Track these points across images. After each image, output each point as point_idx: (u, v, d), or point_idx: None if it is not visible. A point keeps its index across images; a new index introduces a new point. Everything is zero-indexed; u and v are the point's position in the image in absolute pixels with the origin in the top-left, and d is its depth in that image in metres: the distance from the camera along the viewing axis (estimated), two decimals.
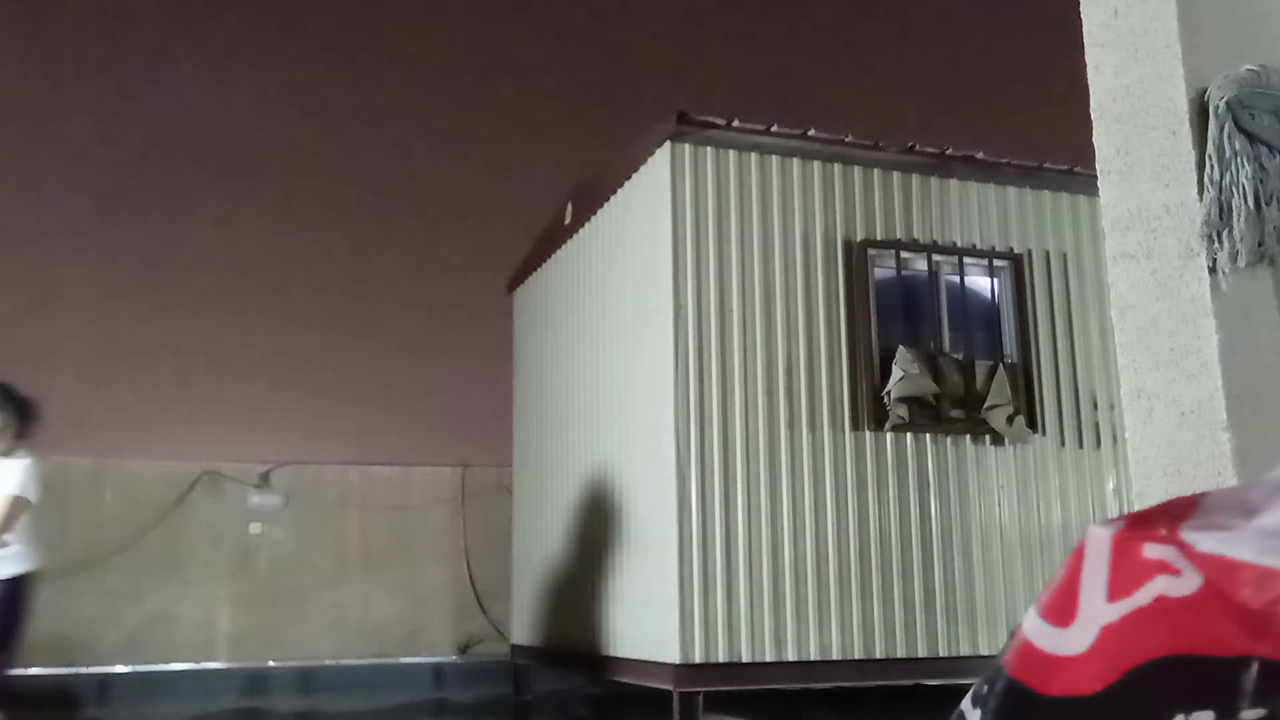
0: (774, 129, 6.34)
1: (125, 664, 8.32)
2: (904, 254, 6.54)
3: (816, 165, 6.46)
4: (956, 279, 6.65)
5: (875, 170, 6.57)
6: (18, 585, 4.79)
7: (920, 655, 6.01)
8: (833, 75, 12.03)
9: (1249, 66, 2.18)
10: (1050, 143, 6.77)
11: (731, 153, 6.31)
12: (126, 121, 10.64)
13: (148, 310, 10.30)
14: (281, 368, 10.37)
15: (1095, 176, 2.39)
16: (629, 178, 6.79)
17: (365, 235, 11.11)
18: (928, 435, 6.30)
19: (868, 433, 6.19)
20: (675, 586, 5.74)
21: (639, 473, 6.36)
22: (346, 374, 10.53)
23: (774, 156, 6.39)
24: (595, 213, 7.34)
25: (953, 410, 6.35)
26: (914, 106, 11.37)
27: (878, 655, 5.93)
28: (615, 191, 7.00)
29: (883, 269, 6.48)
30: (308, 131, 11.17)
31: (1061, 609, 1.00)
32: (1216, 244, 2.11)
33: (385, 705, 8.22)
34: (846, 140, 6.49)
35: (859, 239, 6.43)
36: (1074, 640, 0.98)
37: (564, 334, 7.86)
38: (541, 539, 8.03)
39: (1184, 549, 0.95)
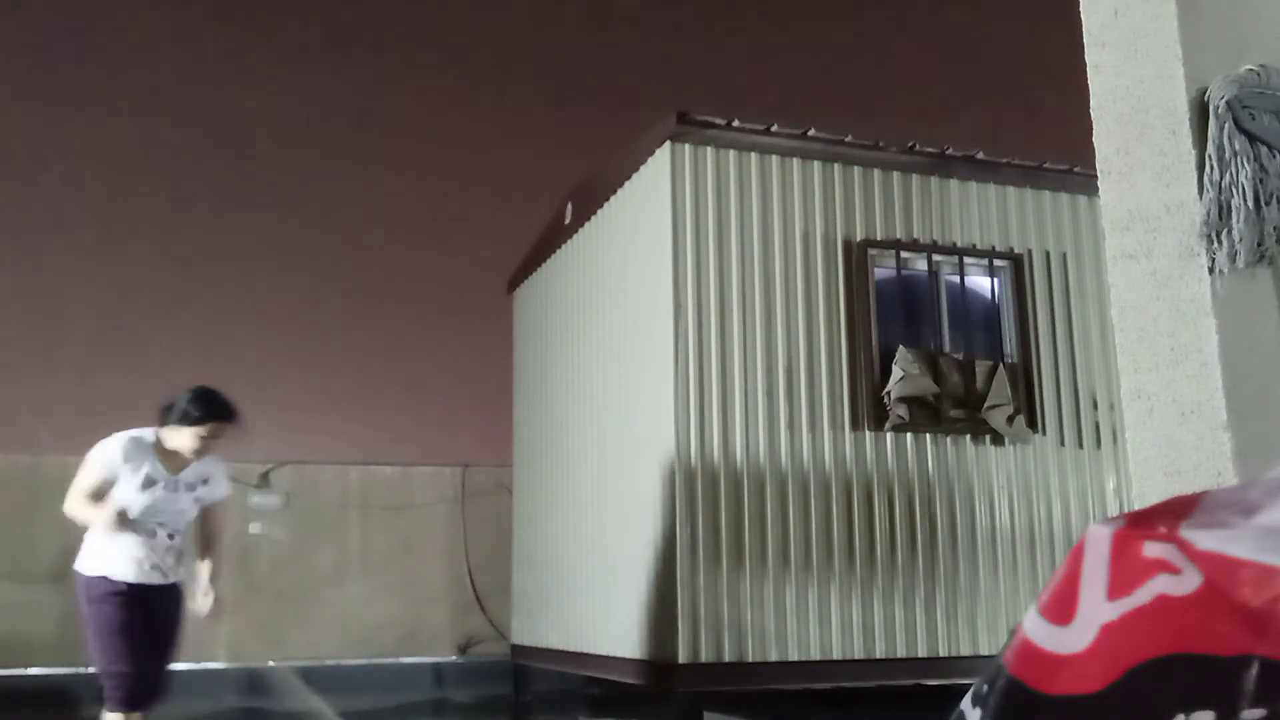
0: (774, 129, 6.34)
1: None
2: (904, 254, 6.54)
3: (816, 165, 6.46)
4: (956, 279, 6.65)
5: (875, 170, 6.57)
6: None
7: (920, 655, 6.01)
8: (833, 75, 12.02)
9: (1249, 66, 2.18)
10: (1050, 142, 6.77)
11: (731, 153, 6.31)
12: (126, 122, 10.64)
13: (147, 310, 10.30)
14: (281, 367, 10.37)
15: (1095, 176, 2.39)
16: (629, 178, 6.79)
17: (365, 235, 11.11)
18: (928, 435, 6.30)
19: (868, 433, 6.19)
20: (675, 586, 5.74)
21: (639, 472, 6.35)
22: (346, 374, 10.53)
23: (774, 156, 6.39)
24: (595, 213, 7.33)
25: (953, 410, 6.35)
26: (913, 107, 11.37)
27: (878, 655, 5.93)
28: (615, 191, 7.00)
29: (883, 269, 6.48)
30: (307, 132, 11.17)
31: (1062, 608, 1.00)
32: (1216, 244, 2.11)
33: (385, 705, 8.22)
34: (846, 140, 6.49)
35: (859, 239, 6.43)
36: (1074, 639, 0.98)
37: (564, 334, 7.85)
38: (541, 539, 8.03)
39: (1184, 547, 0.95)
